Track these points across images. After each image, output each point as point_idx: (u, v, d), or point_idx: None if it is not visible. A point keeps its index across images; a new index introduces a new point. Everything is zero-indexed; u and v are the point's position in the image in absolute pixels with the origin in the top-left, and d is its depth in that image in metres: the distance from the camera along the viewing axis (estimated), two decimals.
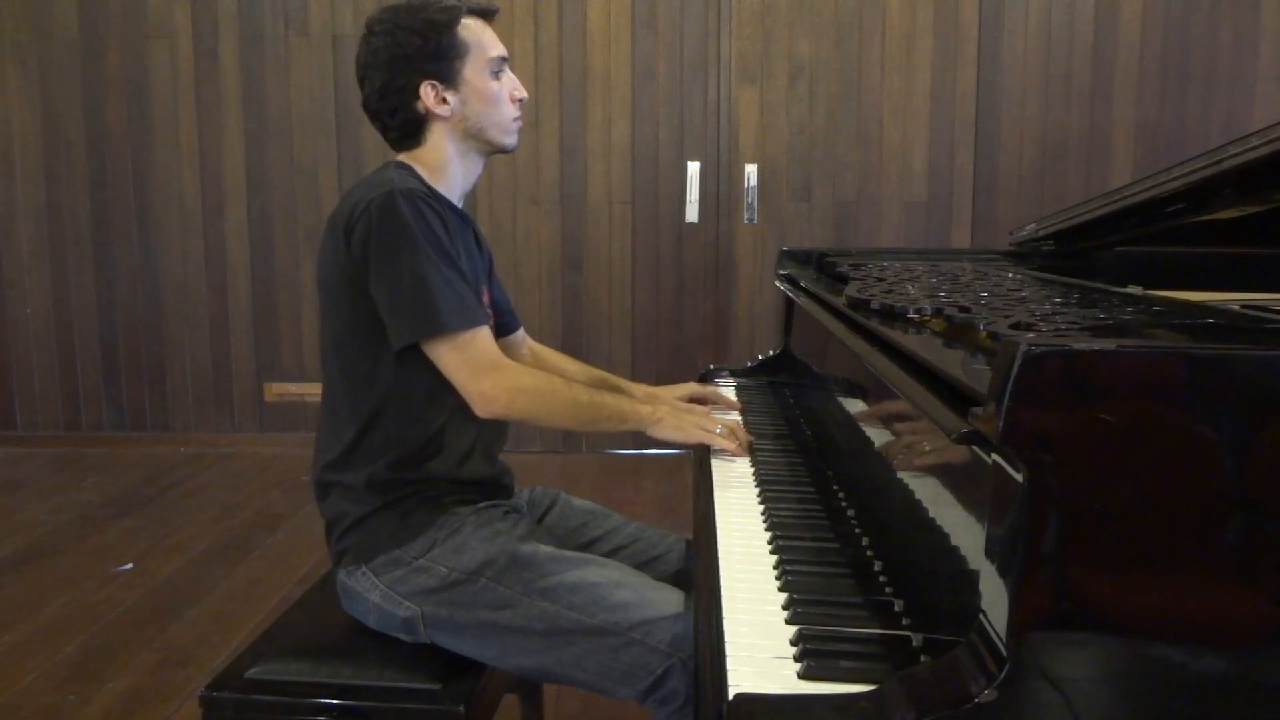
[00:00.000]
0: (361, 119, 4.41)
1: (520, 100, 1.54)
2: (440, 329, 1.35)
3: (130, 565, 2.94)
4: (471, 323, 1.37)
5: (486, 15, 1.53)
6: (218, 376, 4.32)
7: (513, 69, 1.56)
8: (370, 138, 4.11)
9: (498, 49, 1.51)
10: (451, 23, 1.47)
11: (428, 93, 1.46)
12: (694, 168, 4.07)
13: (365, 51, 1.48)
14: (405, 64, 1.45)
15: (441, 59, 1.46)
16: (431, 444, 1.42)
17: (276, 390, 4.31)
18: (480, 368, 1.37)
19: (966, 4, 3.96)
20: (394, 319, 1.36)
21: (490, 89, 1.49)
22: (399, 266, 1.34)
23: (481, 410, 1.38)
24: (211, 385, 4.33)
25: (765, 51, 4.03)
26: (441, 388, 1.40)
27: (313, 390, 4.22)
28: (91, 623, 2.55)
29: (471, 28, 1.49)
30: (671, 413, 1.52)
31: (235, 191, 4.21)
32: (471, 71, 1.48)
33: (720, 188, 4.09)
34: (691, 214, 4.10)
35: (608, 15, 4.03)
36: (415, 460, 1.42)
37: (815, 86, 4.03)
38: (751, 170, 4.07)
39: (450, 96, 1.47)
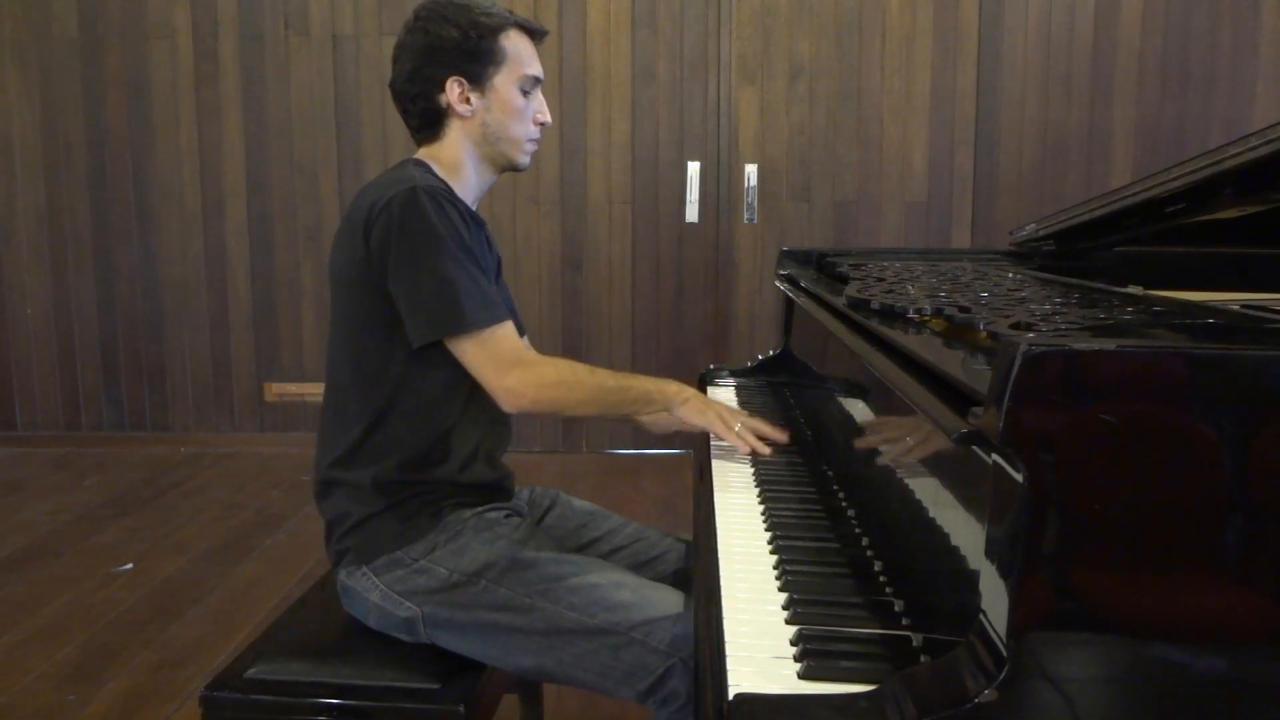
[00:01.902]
0: (361, 119, 4.43)
1: (543, 124, 1.54)
2: (465, 326, 1.35)
3: (130, 565, 2.94)
4: (495, 319, 1.37)
5: (534, 35, 1.53)
6: (218, 376, 4.32)
7: None
8: (370, 138, 4.12)
9: (534, 69, 1.52)
10: (496, 30, 1.47)
11: (452, 88, 1.46)
12: (694, 168, 4.07)
13: (404, 34, 1.48)
14: (437, 55, 1.45)
15: (475, 60, 1.46)
16: (438, 447, 1.42)
17: (276, 390, 4.31)
18: (505, 363, 1.37)
19: (966, 4, 3.96)
20: (416, 316, 1.36)
21: (515, 103, 1.49)
22: (421, 263, 1.34)
23: (508, 405, 1.39)
24: (211, 385, 4.33)
25: (765, 51, 4.03)
26: (451, 389, 1.41)
27: (313, 390, 4.22)
28: (91, 623, 2.55)
29: (515, 41, 1.49)
30: (698, 397, 1.52)
31: (235, 191, 4.21)
32: (502, 81, 1.48)
33: (720, 188, 4.09)
34: (691, 214, 4.10)
35: (608, 15, 4.03)
36: (421, 463, 1.42)
37: (815, 86, 4.03)
38: (751, 170, 4.07)
39: (474, 98, 1.48)
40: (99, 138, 4.21)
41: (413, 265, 1.34)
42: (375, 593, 1.39)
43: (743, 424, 1.51)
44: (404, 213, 1.34)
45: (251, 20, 4.12)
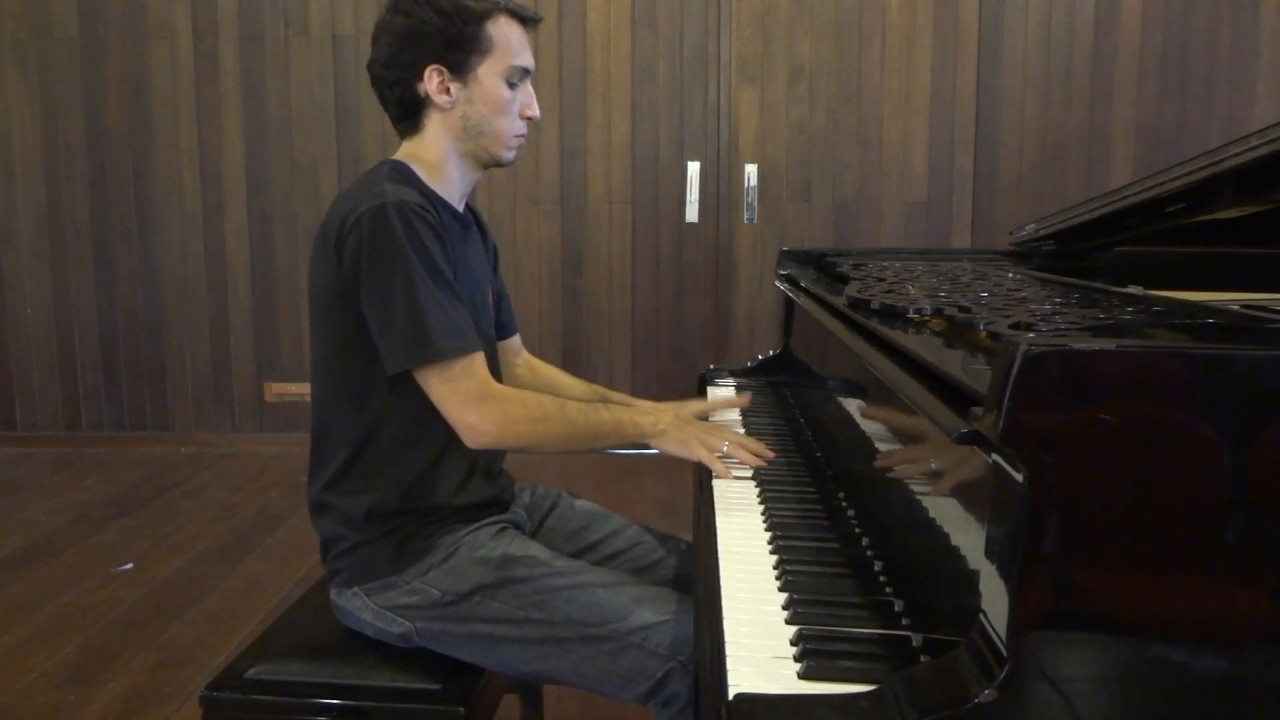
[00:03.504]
0: (361, 119, 4.42)
1: (530, 118, 1.45)
2: (431, 357, 1.28)
3: (130, 565, 2.94)
4: (464, 350, 1.30)
5: (526, 22, 1.44)
6: (218, 376, 4.32)
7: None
8: (370, 137, 4.12)
9: (523, 59, 1.42)
10: (482, 16, 1.38)
11: (431, 77, 1.38)
12: (694, 168, 4.07)
13: (385, 14, 1.40)
14: (417, 40, 1.37)
15: (457, 48, 1.37)
16: (432, 471, 1.38)
17: (276, 390, 4.31)
18: (469, 398, 1.30)
19: (966, 4, 3.96)
20: (387, 343, 1.30)
21: (500, 95, 1.40)
22: (391, 287, 1.28)
23: (470, 442, 1.32)
24: (211, 385, 4.33)
25: (765, 51, 4.03)
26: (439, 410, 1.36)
27: None
28: (91, 623, 2.55)
29: (504, 28, 1.40)
30: (675, 425, 1.43)
31: (235, 191, 4.21)
32: (486, 71, 1.39)
33: (720, 188, 4.09)
34: (691, 214, 4.10)
35: (608, 15, 4.03)
36: (415, 491, 1.38)
37: (815, 86, 4.03)
38: (751, 170, 4.07)
39: (455, 88, 1.39)
40: (99, 138, 4.21)
41: (383, 289, 1.28)
42: (368, 612, 1.38)
43: (730, 442, 1.43)
44: (373, 231, 1.28)
45: (251, 20, 4.12)
